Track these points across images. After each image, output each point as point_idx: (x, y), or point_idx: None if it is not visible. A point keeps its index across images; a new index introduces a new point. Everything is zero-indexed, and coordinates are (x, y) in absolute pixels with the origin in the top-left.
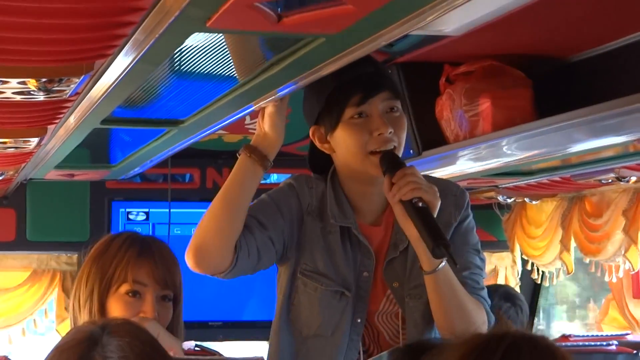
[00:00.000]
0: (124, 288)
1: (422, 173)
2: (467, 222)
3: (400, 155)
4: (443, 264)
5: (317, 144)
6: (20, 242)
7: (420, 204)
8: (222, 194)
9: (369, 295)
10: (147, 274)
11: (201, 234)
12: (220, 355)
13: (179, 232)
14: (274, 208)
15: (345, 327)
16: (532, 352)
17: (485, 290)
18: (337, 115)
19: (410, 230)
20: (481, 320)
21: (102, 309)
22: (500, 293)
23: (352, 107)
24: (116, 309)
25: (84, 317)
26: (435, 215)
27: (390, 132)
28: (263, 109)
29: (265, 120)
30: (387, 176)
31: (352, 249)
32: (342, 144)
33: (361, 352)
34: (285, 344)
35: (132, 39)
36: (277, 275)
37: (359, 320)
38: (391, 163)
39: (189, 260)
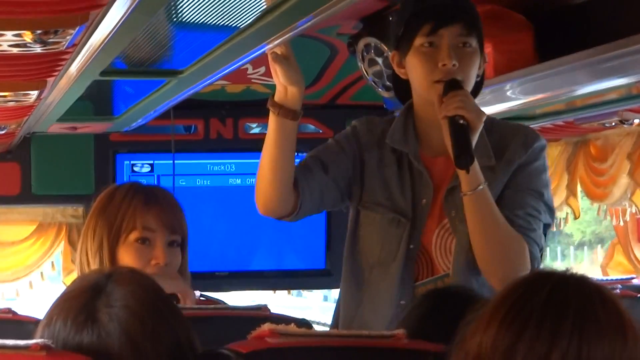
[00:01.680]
0: (134, 235)
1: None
2: (535, 165)
3: (468, 90)
4: (482, 187)
5: (395, 68)
6: (25, 196)
7: (461, 121)
8: (266, 153)
9: (425, 222)
10: (155, 220)
11: (258, 185)
12: (225, 304)
13: (183, 183)
14: (336, 148)
15: (401, 253)
16: (579, 288)
17: (539, 234)
18: (408, 42)
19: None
20: (521, 257)
21: (113, 259)
22: None
23: (422, 36)
24: (127, 257)
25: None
26: (474, 137)
27: (455, 65)
28: (273, 67)
29: (279, 75)
30: (441, 96)
31: (411, 178)
32: (412, 70)
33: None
34: (354, 273)
35: None
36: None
37: (411, 247)
38: (451, 87)
39: (258, 207)
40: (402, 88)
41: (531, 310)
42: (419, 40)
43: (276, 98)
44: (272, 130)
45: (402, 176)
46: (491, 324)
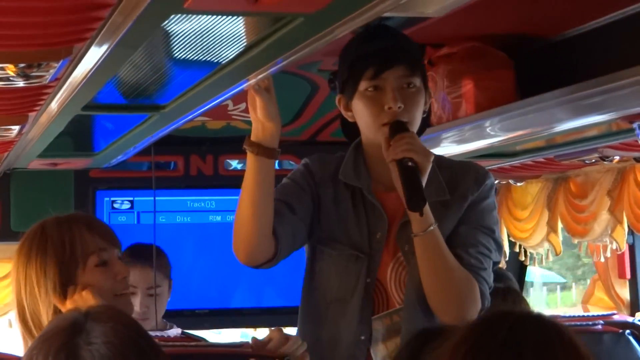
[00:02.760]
0: (93, 261)
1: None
2: (486, 203)
3: (413, 130)
4: (432, 227)
5: (342, 111)
6: (4, 233)
7: (409, 164)
8: (245, 195)
9: (381, 256)
10: (103, 240)
11: (238, 232)
12: (206, 341)
13: (163, 220)
14: (296, 188)
15: (359, 289)
16: (536, 329)
17: (489, 272)
18: (353, 87)
19: (402, 190)
20: (471, 296)
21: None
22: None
23: (366, 80)
24: (93, 283)
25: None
26: (424, 178)
27: (400, 107)
28: (253, 101)
29: (258, 109)
30: (388, 139)
31: (366, 213)
32: (358, 113)
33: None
34: (311, 310)
35: (110, 21)
36: (306, 248)
37: (368, 280)
38: (397, 129)
39: (238, 257)
40: (350, 129)
41: (489, 351)
42: (363, 85)
43: (253, 137)
44: (252, 171)
45: (357, 211)
46: None
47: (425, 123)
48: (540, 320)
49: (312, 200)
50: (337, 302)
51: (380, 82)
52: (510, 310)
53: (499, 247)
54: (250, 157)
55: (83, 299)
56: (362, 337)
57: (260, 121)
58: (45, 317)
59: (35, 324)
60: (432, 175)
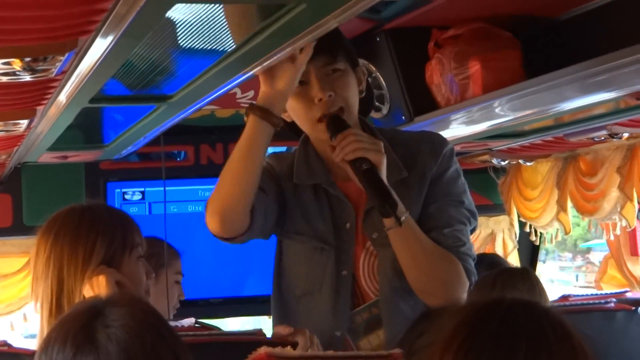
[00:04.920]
0: (137, 252)
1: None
2: (450, 172)
3: (353, 113)
4: (404, 217)
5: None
6: (17, 228)
7: (364, 166)
8: (236, 160)
9: (353, 246)
10: (139, 235)
11: (222, 198)
12: (219, 329)
13: (175, 209)
14: (265, 176)
15: (331, 282)
16: (529, 317)
17: (468, 245)
18: None
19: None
20: (456, 276)
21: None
22: (485, 264)
23: None
24: (135, 273)
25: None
26: (383, 173)
27: (331, 95)
28: (270, 74)
29: (282, 84)
30: (331, 141)
31: (330, 204)
32: (293, 112)
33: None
34: (282, 305)
35: (114, 13)
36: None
37: (344, 273)
38: (334, 127)
39: (213, 225)
40: (293, 126)
41: (484, 341)
42: None
43: (262, 102)
44: (251, 136)
45: (319, 202)
46: (445, 356)
47: (370, 102)
48: (531, 309)
49: (277, 188)
50: (305, 296)
51: (304, 77)
52: (500, 299)
53: (473, 214)
54: (253, 121)
55: (98, 284)
56: (337, 333)
57: (280, 92)
58: (79, 296)
59: (68, 302)
60: (386, 156)
